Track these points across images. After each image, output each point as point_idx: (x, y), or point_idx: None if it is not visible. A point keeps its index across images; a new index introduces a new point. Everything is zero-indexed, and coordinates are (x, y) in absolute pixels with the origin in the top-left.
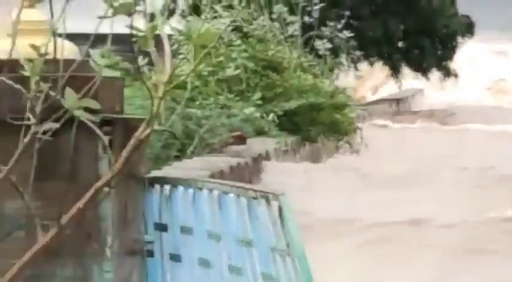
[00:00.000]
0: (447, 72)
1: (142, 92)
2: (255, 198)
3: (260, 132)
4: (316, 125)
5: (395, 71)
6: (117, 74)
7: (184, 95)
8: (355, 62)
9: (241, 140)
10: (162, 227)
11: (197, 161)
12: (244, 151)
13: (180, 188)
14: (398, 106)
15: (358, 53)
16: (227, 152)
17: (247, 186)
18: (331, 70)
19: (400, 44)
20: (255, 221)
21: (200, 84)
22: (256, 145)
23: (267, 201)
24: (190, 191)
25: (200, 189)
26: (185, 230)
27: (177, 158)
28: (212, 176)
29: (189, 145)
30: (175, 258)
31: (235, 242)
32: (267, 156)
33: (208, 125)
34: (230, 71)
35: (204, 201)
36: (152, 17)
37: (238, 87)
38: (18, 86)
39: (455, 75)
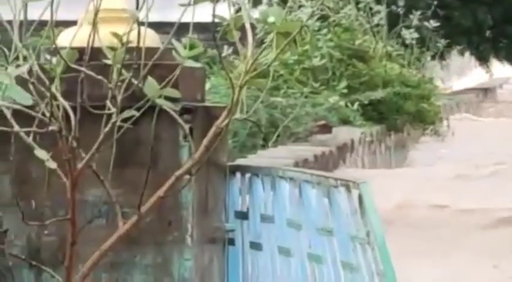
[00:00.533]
0: None
1: (227, 81)
2: (335, 186)
3: (345, 122)
4: (402, 114)
5: (483, 61)
6: (198, 64)
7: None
8: (442, 51)
9: (326, 129)
10: (242, 215)
11: (281, 149)
12: (329, 140)
13: (261, 176)
14: (486, 96)
15: (444, 42)
16: (312, 141)
17: (328, 174)
18: (418, 60)
19: (487, 33)
20: (336, 209)
21: (285, 73)
22: (341, 134)
23: (348, 189)
24: (271, 179)
25: (281, 177)
26: (265, 218)
27: (263, 147)
28: (296, 164)
29: (273, 134)
30: (255, 246)
31: (315, 230)
32: (352, 146)
33: (293, 113)
34: (316, 60)
35: (285, 190)
36: (237, 5)
37: (323, 76)
38: (99, 77)
39: None
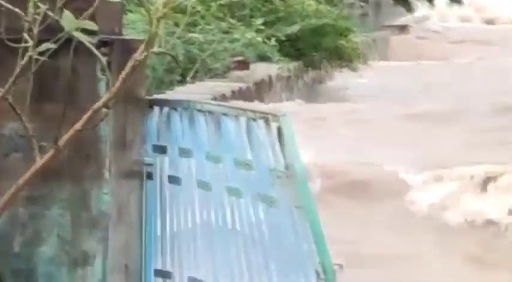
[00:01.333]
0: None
1: (145, 17)
2: (254, 119)
3: (263, 58)
4: (320, 51)
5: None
6: None
7: (183, 19)
8: None
9: (243, 65)
10: (161, 149)
11: (199, 85)
12: (247, 76)
13: (180, 110)
14: (403, 33)
15: None
16: (229, 77)
17: (246, 107)
18: None
19: None
20: (255, 142)
21: (202, 9)
22: (259, 70)
23: (266, 122)
24: (189, 112)
25: (199, 111)
26: (184, 152)
27: (180, 82)
28: (214, 100)
29: (191, 70)
30: (174, 180)
31: (234, 163)
32: (270, 82)
33: (210, 49)
34: None
35: (203, 123)
36: None
37: (240, 12)
38: (16, 9)
39: (459, 2)
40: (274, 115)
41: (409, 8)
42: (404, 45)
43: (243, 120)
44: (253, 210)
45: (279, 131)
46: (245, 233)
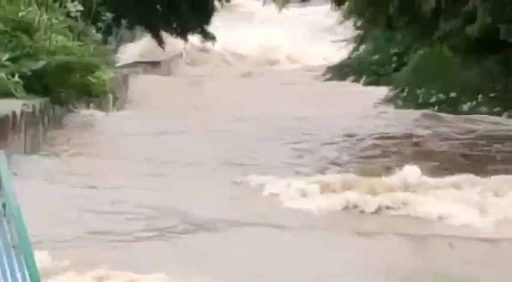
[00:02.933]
0: (206, 36)
1: None
2: None
3: (7, 94)
4: (67, 87)
5: (156, 36)
6: None
7: None
8: (111, 25)
9: None
10: None
11: None
12: None
13: None
14: (156, 69)
15: (110, 15)
16: None
17: None
18: (83, 33)
19: (158, 7)
20: None
21: None
22: (1, 106)
23: None
24: None
25: None
26: None
27: None
28: None
29: None
30: None
31: None
32: (14, 119)
33: None
34: None
35: None
36: None
37: None
38: None
39: (213, 38)
40: None
41: (160, 42)
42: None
43: None
44: None
45: None
46: None
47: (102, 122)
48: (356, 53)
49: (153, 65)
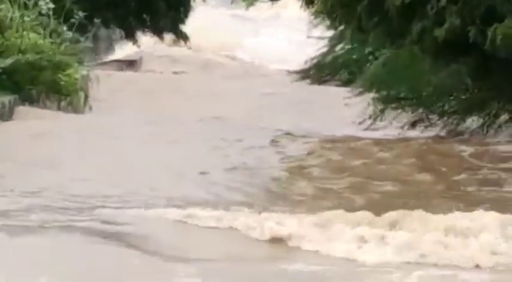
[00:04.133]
0: (180, 35)
1: None
2: None
3: None
4: (38, 85)
5: (130, 35)
6: None
7: None
8: (84, 23)
9: None
10: None
11: None
12: None
13: None
14: (131, 67)
15: (82, 14)
16: None
17: None
18: (54, 31)
19: (133, 5)
20: None
21: None
22: None
23: None
24: None
25: None
26: None
27: None
28: None
29: None
30: None
31: None
32: None
33: None
34: None
35: None
36: None
37: None
38: None
39: (187, 38)
40: None
41: (135, 41)
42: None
43: None
44: None
45: None
46: None
47: None
48: (332, 52)
49: (129, 64)
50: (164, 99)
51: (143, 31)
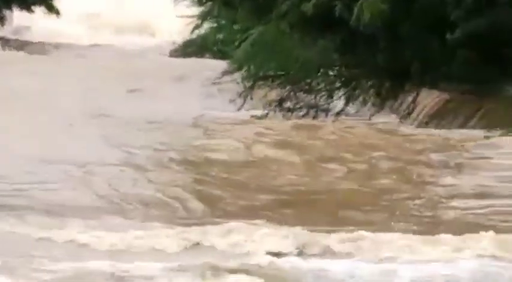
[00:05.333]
0: (50, 8)
1: None
2: None
3: None
4: None
5: None
6: None
7: None
8: None
9: None
10: None
11: None
12: None
13: None
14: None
15: None
16: None
17: None
18: None
19: None
20: None
21: None
22: None
23: None
24: None
25: None
26: None
27: None
28: None
29: None
30: None
31: None
32: None
33: None
34: None
35: None
36: None
37: None
38: None
39: (58, 12)
40: None
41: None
42: None
43: None
44: None
45: None
46: None
47: None
48: (200, 30)
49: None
50: None
51: (10, 5)
